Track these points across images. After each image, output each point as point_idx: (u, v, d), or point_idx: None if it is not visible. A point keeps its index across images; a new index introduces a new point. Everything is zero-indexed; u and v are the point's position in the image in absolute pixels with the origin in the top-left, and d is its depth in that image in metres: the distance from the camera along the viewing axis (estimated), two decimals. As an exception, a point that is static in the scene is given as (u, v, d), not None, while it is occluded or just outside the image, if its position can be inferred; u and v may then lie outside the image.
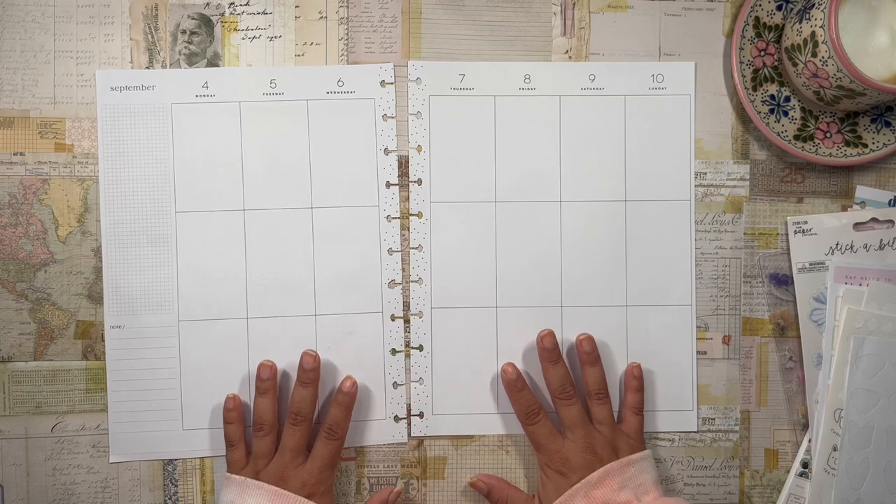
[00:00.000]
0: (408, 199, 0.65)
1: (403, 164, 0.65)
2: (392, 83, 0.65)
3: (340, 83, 0.64)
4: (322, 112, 0.64)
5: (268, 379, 0.62)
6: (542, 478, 0.62)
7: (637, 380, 0.64)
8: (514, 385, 0.63)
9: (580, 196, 0.65)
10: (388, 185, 0.65)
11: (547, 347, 0.63)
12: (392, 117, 0.65)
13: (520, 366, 0.65)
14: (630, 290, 0.65)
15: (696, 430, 0.66)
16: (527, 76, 0.65)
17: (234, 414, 0.62)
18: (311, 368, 0.62)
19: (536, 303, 0.65)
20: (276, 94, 0.64)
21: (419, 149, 0.65)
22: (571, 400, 0.62)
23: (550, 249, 0.65)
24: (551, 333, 0.63)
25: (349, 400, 0.62)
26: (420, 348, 0.65)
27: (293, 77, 0.64)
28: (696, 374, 0.66)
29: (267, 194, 0.64)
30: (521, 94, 0.65)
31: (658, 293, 0.66)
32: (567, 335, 0.65)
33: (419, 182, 0.65)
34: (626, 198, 0.65)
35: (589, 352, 0.63)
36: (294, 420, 0.61)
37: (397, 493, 0.64)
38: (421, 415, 0.65)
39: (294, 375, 0.63)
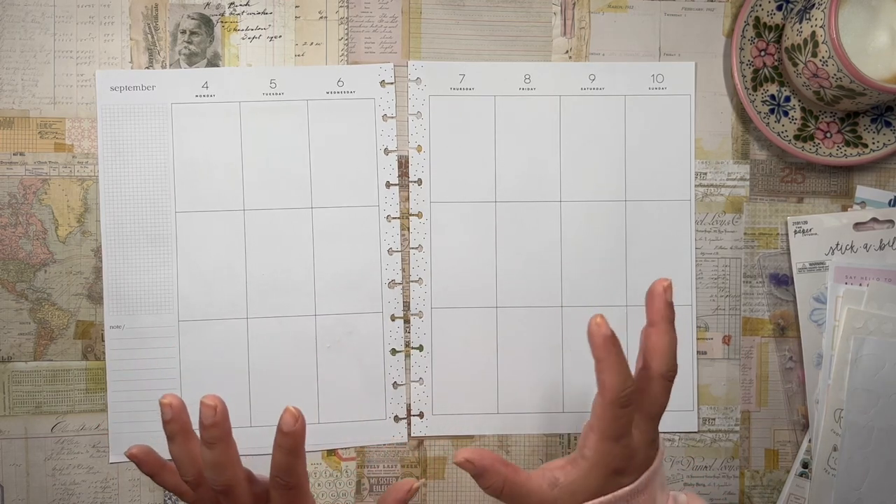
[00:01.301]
0: (408, 199, 0.65)
1: (403, 164, 0.65)
2: (392, 83, 0.65)
3: (340, 83, 0.64)
4: (322, 112, 0.64)
5: (213, 425, 0.45)
6: (586, 468, 0.47)
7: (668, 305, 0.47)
8: (611, 343, 0.45)
9: (580, 196, 0.65)
10: (388, 185, 0.65)
11: (606, 334, 0.45)
12: (392, 117, 0.65)
13: (520, 365, 0.65)
14: (630, 290, 0.65)
15: (696, 430, 0.66)
16: (527, 76, 0.65)
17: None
18: (211, 424, 0.45)
19: (536, 303, 0.65)
20: (276, 94, 0.64)
21: (419, 149, 0.65)
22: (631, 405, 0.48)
23: (550, 249, 0.65)
24: (604, 319, 0.45)
25: (291, 442, 0.45)
26: (420, 348, 0.65)
27: (293, 77, 0.64)
28: (696, 374, 0.66)
29: (267, 194, 0.64)
30: (521, 94, 0.65)
31: (658, 293, 0.66)
32: (567, 335, 0.65)
33: (419, 182, 0.65)
34: (626, 198, 0.65)
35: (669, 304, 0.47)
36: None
37: (415, 490, 0.51)
38: (421, 415, 0.65)
39: (293, 375, 0.63)
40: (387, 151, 0.65)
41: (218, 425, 0.45)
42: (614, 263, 0.65)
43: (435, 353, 0.65)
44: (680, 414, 0.66)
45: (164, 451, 0.64)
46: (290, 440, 0.45)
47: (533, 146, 0.65)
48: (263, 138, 0.64)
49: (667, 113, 0.66)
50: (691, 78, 0.66)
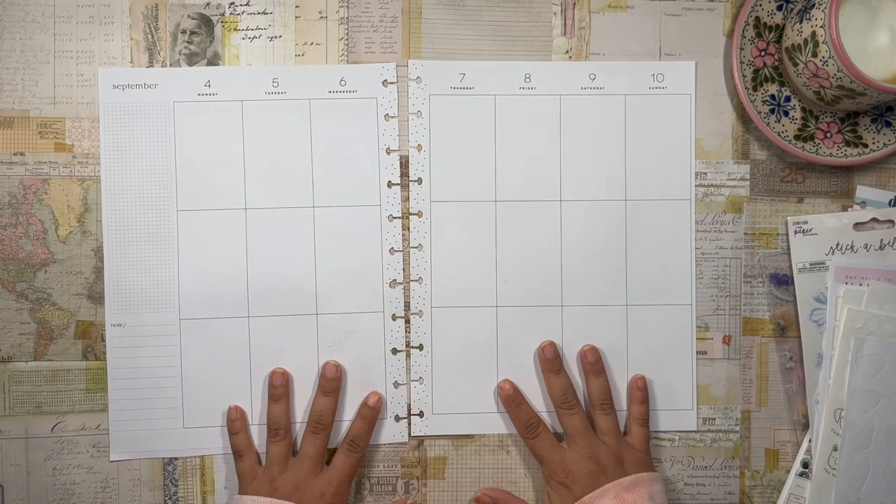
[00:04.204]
0: (408, 198, 0.65)
1: (403, 164, 0.65)
2: (394, 83, 0.65)
3: (343, 82, 0.64)
4: (324, 111, 0.64)
5: (280, 386, 0.63)
6: (548, 490, 0.63)
7: (641, 391, 0.64)
8: (511, 400, 0.64)
9: (580, 196, 0.65)
10: (389, 184, 0.65)
11: (548, 358, 0.63)
12: (394, 117, 0.65)
13: (520, 366, 0.65)
14: (630, 289, 0.65)
15: (696, 430, 0.66)
16: (527, 76, 0.65)
17: (238, 424, 0.62)
18: (333, 378, 0.63)
19: (536, 303, 0.65)
20: (279, 93, 0.64)
21: (419, 148, 0.65)
22: (573, 409, 0.62)
23: (550, 249, 0.65)
24: (552, 344, 0.64)
25: (373, 414, 0.63)
26: (420, 348, 0.65)
27: (295, 76, 0.64)
28: (696, 374, 0.66)
29: (269, 193, 0.64)
30: (521, 94, 0.65)
31: (658, 293, 0.66)
32: (567, 335, 0.65)
33: (419, 181, 0.65)
34: (626, 197, 0.66)
35: (593, 362, 0.63)
36: (315, 428, 0.61)
37: None
38: (421, 414, 0.65)
39: (294, 374, 0.63)
40: (389, 151, 0.65)
41: (337, 379, 0.63)
42: (614, 263, 0.65)
43: (435, 352, 0.65)
44: (680, 414, 0.66)
45: (162, 450, 0.65)
46: (372, 413, 0.63)
47: (533, 146, 0.65)
48: (265, 137, 0.64)
49: (667, 113, 0.66)
50: (691, 78, 0.66)
